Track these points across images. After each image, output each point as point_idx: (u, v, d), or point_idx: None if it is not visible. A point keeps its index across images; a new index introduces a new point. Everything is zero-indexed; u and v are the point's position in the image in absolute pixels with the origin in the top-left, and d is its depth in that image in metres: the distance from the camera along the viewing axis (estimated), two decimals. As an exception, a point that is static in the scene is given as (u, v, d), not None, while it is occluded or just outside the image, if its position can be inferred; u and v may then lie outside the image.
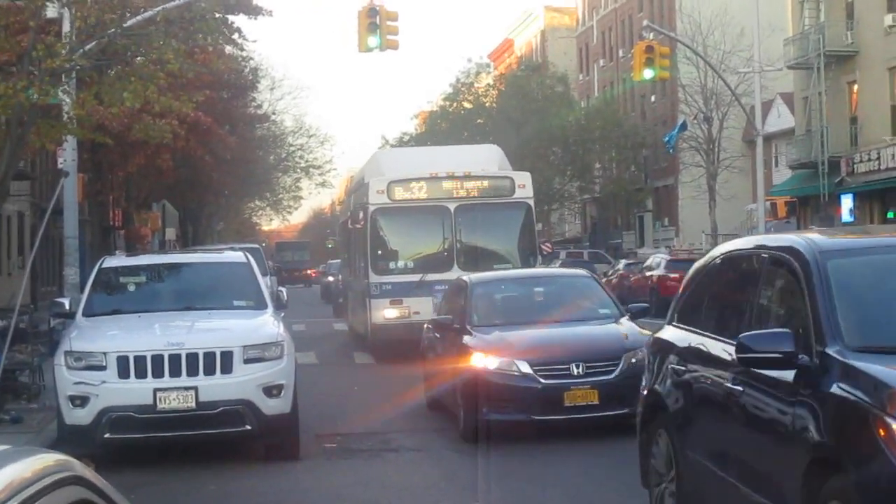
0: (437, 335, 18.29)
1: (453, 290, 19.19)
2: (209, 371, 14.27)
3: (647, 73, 37.13)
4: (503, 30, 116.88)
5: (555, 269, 27.00)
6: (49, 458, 3.16)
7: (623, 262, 56.39)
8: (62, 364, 14.50)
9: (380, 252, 26.64)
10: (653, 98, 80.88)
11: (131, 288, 17.05)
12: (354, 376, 24.95)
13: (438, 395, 17.77)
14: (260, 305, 16.21)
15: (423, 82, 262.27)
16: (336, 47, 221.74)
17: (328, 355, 29.50)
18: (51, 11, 20.80)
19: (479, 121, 76.98)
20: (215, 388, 14.24)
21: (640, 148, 78.39)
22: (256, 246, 50.05)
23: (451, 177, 26.63)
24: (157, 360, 14.20)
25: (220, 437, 14.52)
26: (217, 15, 29.00)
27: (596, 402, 15.01)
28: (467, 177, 26.72)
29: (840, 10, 54.12)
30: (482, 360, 15.41)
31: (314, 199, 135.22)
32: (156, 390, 14.13)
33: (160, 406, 14.13)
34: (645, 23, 59.53)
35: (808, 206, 57.66)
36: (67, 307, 16.96)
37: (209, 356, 14.31)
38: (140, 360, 14.20)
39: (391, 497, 13.14)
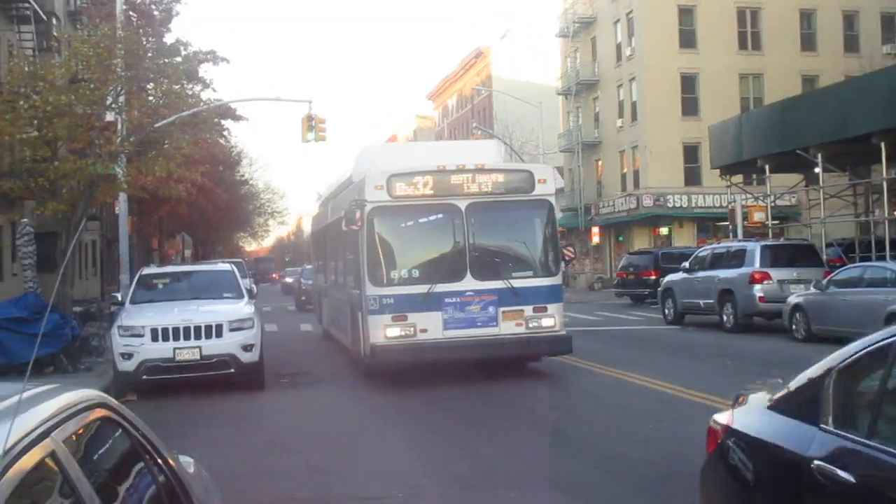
0: None
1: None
2: (208, 336, 14.14)
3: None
4: (391, 129, 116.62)
5: None
6: (84, 392, 3.00)
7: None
8: (116, 333, 14.31)
9: (379, 259, 14.59)
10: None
11: (160, 286, 16.75)
12: (301, 340, 24.76)
13: None
14: (239, 296, 16.06)
15: (340, 163, 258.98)
16: (287, 135, 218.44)
17: (285, 327, 29.11)
18: (109, 116, 20.49)
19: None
20: (212, 346, 14.11)
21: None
22: (240, 260, 49.55)
23: (462, 170, 14.97)
24: (176, 330, 14.06)
25: (214, 377, 14.34)
26: (215, 120, 28.78)
27: None
28: (480, 170, 15.08)
29: (590, 116, 55.35)
30: None
31: (277, 231, 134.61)
32: (175, 349, 13.98)
33: (177, 358, 13.97)
34: (474, 125, 60.20)
35: (572, 234, 58.62)
36: (120, 299, 16.76)
37: (208, 327, 14.19)
38: (165, 330, 14.05)
39: (321, 408, 13.06)
